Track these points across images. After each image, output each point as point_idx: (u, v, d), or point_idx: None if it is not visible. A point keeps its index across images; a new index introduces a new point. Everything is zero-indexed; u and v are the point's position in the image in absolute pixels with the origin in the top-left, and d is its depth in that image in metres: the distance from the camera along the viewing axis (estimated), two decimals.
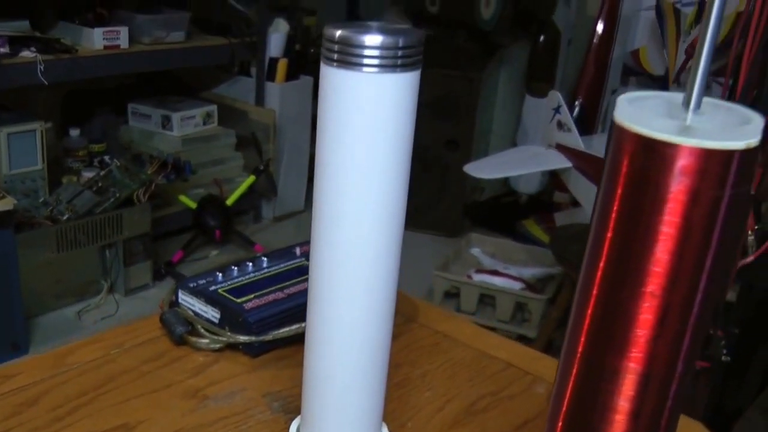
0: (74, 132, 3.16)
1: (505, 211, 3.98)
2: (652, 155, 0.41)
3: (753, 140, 0.41)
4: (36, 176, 2.79)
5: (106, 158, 3.08)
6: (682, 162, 0.41)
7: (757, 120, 0.43)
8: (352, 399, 0.73)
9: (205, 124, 3.48)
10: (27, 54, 2.65)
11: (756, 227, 1.32)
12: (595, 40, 3.43)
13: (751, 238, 1.32)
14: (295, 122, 3.69)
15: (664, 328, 0.45)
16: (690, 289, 0.44)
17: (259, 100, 3.62)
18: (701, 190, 0.41)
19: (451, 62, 3.88)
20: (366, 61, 0.57)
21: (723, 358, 1.44)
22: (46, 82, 2.65)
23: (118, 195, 2.81)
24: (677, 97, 0.44)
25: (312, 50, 3.75)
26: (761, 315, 1.45)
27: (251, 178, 3.46)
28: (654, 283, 0.44)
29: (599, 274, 0.46)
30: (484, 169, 2.91)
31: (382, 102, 0.59)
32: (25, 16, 2.78)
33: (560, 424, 0.52)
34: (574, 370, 0.50)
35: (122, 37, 2.97)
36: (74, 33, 2.90)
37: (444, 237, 3.81)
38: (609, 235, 0.45)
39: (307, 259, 0.74)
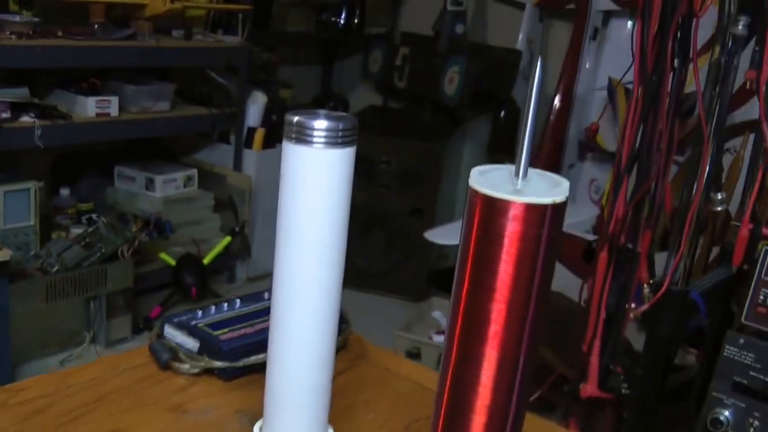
0: (64, 192, 3.25)
1: None
2: (494, 208, 0.61)
3: (559, 198, 0.61)
4: (28, 231, 2.89)
5: (94, 216, 3.17)
6: (513, 213, 0.60)
7: (564, 184, 0.64)
8: (301, 404, 0.88)
9: (185, 186, 3.56)
10: (26, 119, 2.75)
11: (651, 281, 1.52)
12: (552, 117, 3.54)
13: (646, 290, 1.51)
14: (270, 188, 3.75)
15: (509, 323, 0.64)
16: (525, 295, 0.63)
17: (237, 166, 3.70)
18: (527, 231, 0.61)
19: (418, 134, 4.00)
20: (315, 139, 0.76)
21: (623, 391, 1.61)
22: (42, 146, 2.75)
23: (104, 250, 2.91)
24: (513, 168, 0.65)
25: None
26: (664, 358, 1.62)
27: (227, 239, 3.54)
28: (500, 292, 0.63)
29: (464, 287, 0.65)
30: (443, 235, 3.05)
31: (327, 169, 0.78)
32: (24, 83, 2.87)
33: (444, 398, 0.69)
34: (453, 357, 0.67)
35: (112, 105, 3.06)
36: (69, 100, 3.00)
37: (409, 301, 3.88)
38: (469, 261, 0.64)
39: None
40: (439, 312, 3.39)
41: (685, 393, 1.67)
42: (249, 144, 3.72)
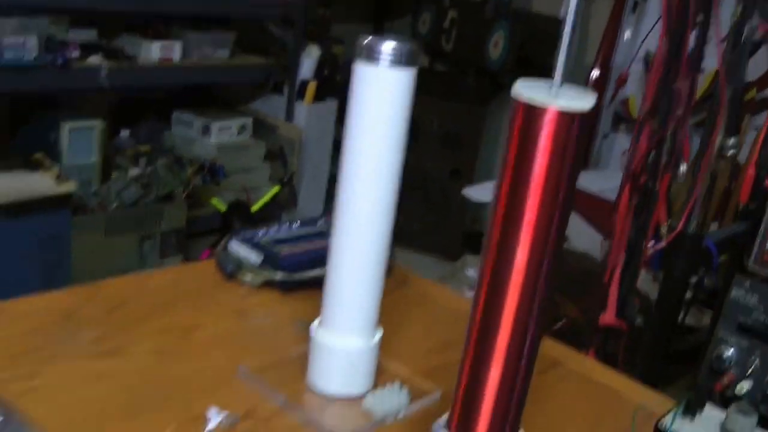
0: (124, 133, 3.36)
1: None
2: (533, 113, 0.73)
3: (587, 106, 0.74)
4: (90, 168, 3.00)
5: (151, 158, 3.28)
6: (548, 117, 0.72)
7: (591, 97, 0.76)
8: (354, 302, 1.00)
9: (239, 134, 3.63)
10: (94, 60, 2.85)
11: (667, 222, 1.63)
12: (589, 87, 3.64)
13: (664, 229, 1.62)
14: (318, 141, 3.84)
15: (542, 211, 0.75)
16: (555, 188, 0.74)
17: (289, 117, 3.77)
18: (559, 131, 0.73)
19: (461, 97, 4.08)
20: (382, 58, 0.90)
21: (637, 322, 1.73)
22: (107, 86, 2.86)
23: (160, 190, 3.03)
24: (551, 83, 0.77)
25: (339, 76, 3.86)
26: (677, 299, 1.73)
27: (276, 188, 3.61)
28: (535, 183, 0.74)
29: (506, 181, 0.76)
30: (480, 193, 3.16)
31: (392, 86, 0.91)
32: (94, 25, 2.98)
33: (486, 278, 0.80)
34: (494, 241, 0.78)
35: (175, 51, 3.16)
36: (135, 44, 3.08)
37: (443, 260, 3.97)
38: (511, 159, 0.76)
39: (326, 227, 1.02)
40: (472, 270, 3.42)
41: (698, 354, 1.76)
42: (301, 96, 3.77)
